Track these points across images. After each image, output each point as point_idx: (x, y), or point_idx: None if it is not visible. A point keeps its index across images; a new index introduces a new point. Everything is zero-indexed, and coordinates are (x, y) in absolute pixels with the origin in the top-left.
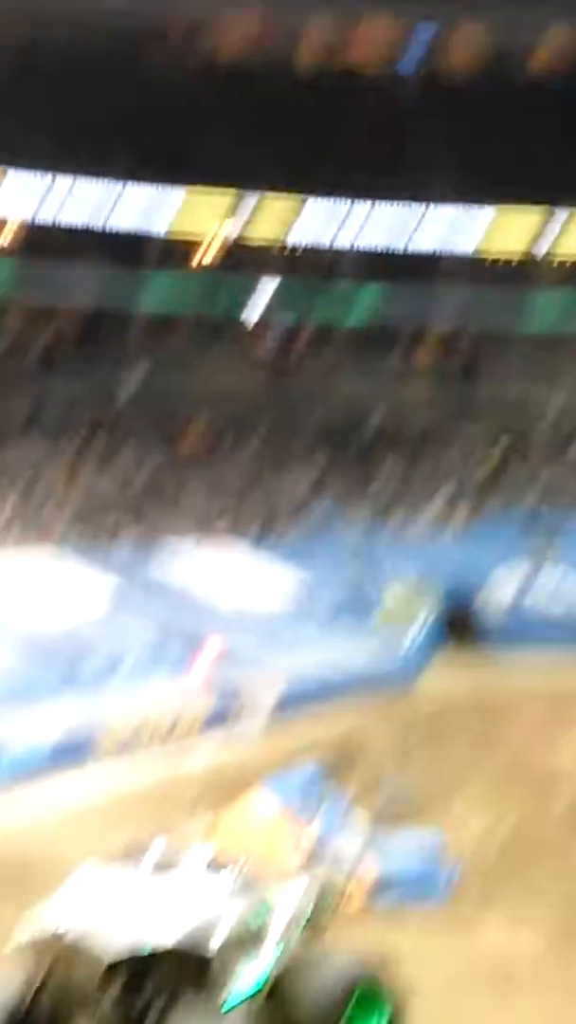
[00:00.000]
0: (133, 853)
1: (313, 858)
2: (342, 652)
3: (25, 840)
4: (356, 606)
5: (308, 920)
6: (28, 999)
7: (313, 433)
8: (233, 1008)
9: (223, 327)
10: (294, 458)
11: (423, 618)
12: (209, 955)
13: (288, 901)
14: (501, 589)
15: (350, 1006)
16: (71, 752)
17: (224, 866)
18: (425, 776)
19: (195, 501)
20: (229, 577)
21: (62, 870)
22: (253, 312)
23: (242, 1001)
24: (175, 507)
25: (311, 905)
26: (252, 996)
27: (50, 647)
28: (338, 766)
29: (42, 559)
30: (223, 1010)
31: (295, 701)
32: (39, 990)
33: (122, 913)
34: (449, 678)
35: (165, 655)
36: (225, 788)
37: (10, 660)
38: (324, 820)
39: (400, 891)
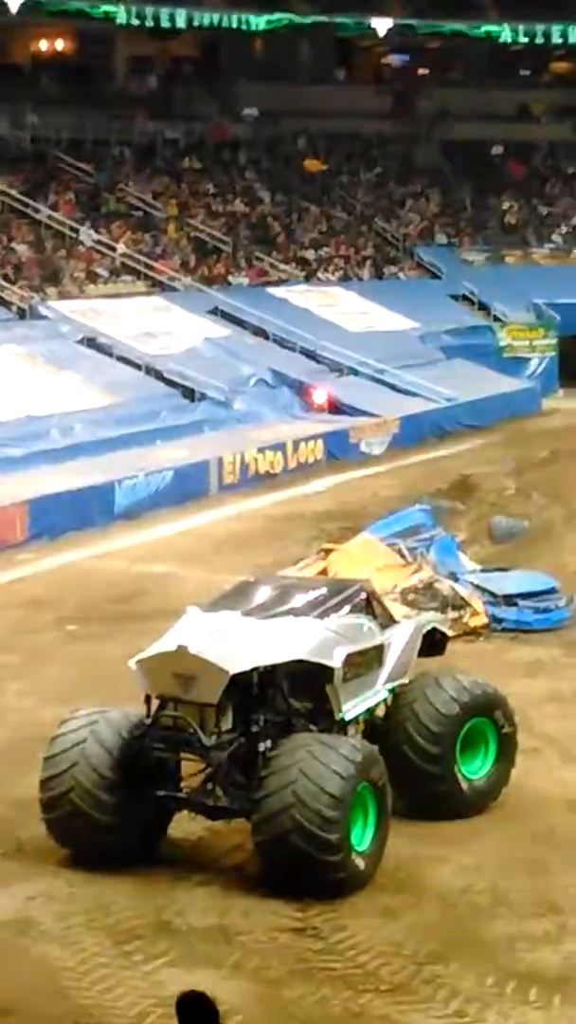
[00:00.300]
0: (246, 588)
1: (426, 595)
2: (456, 391)
3: (141, 569)
4: (471, 347)
5: (425, 642)
6: (150, 714)
7: (429, 168)
8: (352, 722)
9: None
10: (410, 194)
11: (542, 351)
12: (333, 666)
13: (405, 627)
14: None
15: (467, 723)
16: (187, 488)
17: (341, 594)
18: (541, 515)
19: (309, 240)
20: (342, 312)
21: (176, 599)
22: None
23: (360, 717)
24: (287, 248)
25: (427, 629)
26: (370, 712)
27: (166, 384)
28: (451, 505)
29: (154, 302)
30: (341, 723)
31: (409, 440)
32: (161, 706)
33: (241, 636)
34: (569, 410)
35: (278, 398)
36: (337, 528)
37: (129, 392)
38: (435, 559)
39: (514, 623)
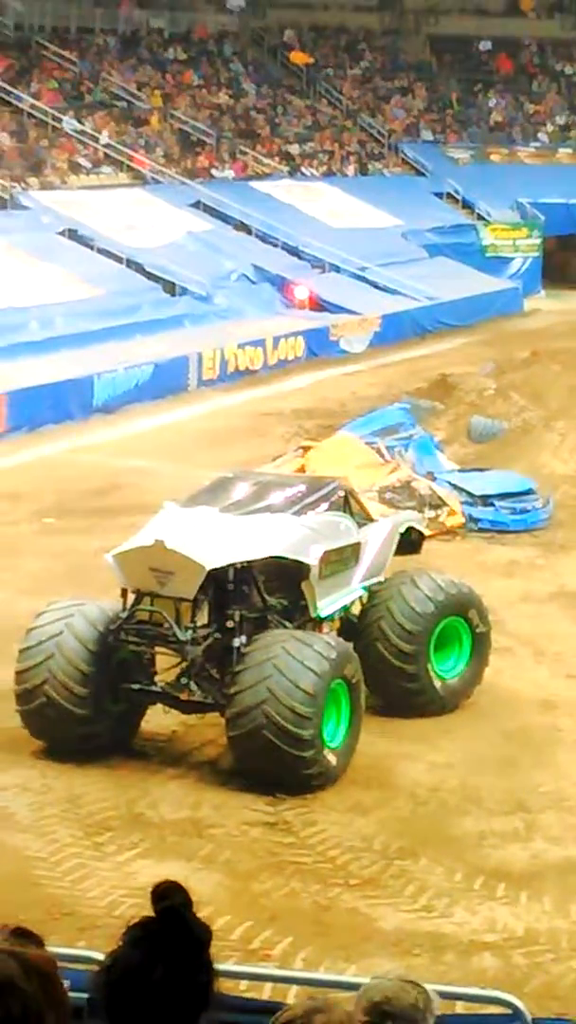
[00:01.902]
0: (206, 490)
1: (403, 493)
2: (437, 290)
3: (119, 464)
4: (454, 246)
5: (402, 541)
6: (126, 607)
7: (416, 63)
8: (327, 620)
9: None
10: (396, 90)
11: (525, 251)
12: (309, 563)
13: (382, 525)
14: None
15: (442, 622)
16: (166, 383)
17: (319, 492)
18: (520, 416)
19: (294, 134)
20: (325, 208)
21: (154, 494)
22: None
23: (336, 614)
24: (272, 142)
25: (404, 528)
26: (345, 610)
27: (147, 277)
28: (430, 405)
29: (137, 194)
30: (316, 620)
31: (389, 339)
32: (137, 600)
33: (218, 531)
34: (551, 311)
35: (259, 294)
36: (316, 425)
37: (110, 284)
38: (413, 458)
39: (491, 524)
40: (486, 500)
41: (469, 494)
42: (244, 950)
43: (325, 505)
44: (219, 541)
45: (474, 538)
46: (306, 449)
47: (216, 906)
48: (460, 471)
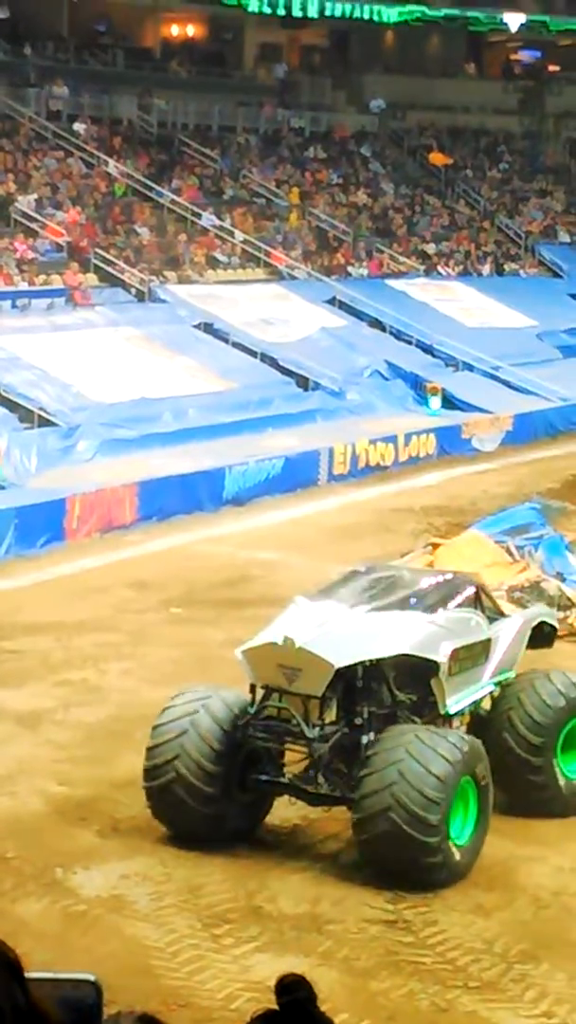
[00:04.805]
0: (337, 584)
1: (532, 593)
2: (571, 391)
3: (247, 555)
4: None
5: (534, 634)
6: (255, 704)
7: (555, 166)
8: (456, 716)
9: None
10: (534, 191)
11: None
12: (438, 660)
13: (514, 620)
14: None
15: (572, 720)
16: (297, 477)
17: (450, 587)
18: None
19: (431, 234)
20: (460, 307)
21: (282, 587)
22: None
23: (465, 711)
24: (408, 241)
25: (536, 622)
26: (476, 705)
27: (280, 372)
28: (562, 505)
29: (273, 289)
30: (446, 716)
31: (521, 438)
32: (266, 695)
33: (348, 628)
34: None
35: (392, 390)
36: (446, 523)
37: (244, 378)
38: (543, 558)
39: None
40: None
41: None
42: None
43: (456, 601)
44: (348, 638)
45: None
46: (435, 546)
47: (333, 1003)
48: None
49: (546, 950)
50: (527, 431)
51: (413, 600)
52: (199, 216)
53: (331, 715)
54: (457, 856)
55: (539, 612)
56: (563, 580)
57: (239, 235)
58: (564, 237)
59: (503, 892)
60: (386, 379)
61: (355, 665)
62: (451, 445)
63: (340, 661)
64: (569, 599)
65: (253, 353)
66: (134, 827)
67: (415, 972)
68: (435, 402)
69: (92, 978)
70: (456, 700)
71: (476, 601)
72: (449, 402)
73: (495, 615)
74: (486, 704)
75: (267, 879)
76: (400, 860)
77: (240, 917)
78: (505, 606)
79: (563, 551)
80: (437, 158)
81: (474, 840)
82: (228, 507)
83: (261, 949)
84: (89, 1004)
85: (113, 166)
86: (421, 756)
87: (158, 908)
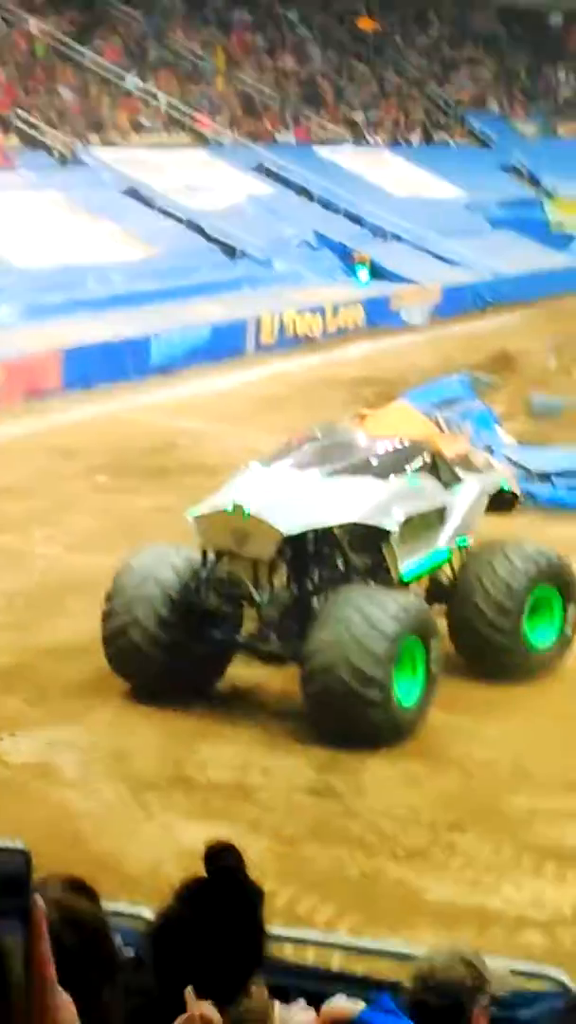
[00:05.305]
0: (292, 447)
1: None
2: (500, 264)
3: (174, 424)
4: (518, 220)
5: (492, 504)
6: (204, 570)
7: (485, 34)
8: (413, 581)
9: None
10: (464, 60)
11: None
12: (390, 528)
13: (470, 486)
14: None
15: (539, 586)
16: (224, 346)
17: (404, 453)
18: None
19: (359, 101)
20: (389, 177)
21: (208, 456)
22: None
23: (418, 575)
24: (336, 108)
25: (491, 491)
26: (434, 571)
27: (205, 240)
28: (490, 378)
29: (198, 156)
30: (400, 580)
31: (450, 311)
32: (216, 559)
33: (298, 495)
34: None
35: (320, 260)
36: (374, 394)
37: (169, 245)
38: (471, 431)
39: (549, 500)
40: (544, 477)
41: (527, 470)
42: (289, 915)
43: (410, 467)
44: (298, 506)
45: (531, 515)
46: (363, 417)
47: (261, 870)
48: (519, 446)
49: (473, 819)
50: (456, 303)
51: (367, 466)
52: (122, 78)
53: (281, 579)
54: (402, 716)
55: (497, 478)
56: (492, 453)
57: (163, 99)
58: (494, 107)
59: (433, 762)
60: (314, 249)
61: (304, 532)
62: (379, 316)
63: (288, 529)
64: (493, 470)
65: (179, 220)
66: (61, 694)
67: (343, 840)
68: (363, 273)
69: (21, 845)
70: (410, 566)
71: (431, 467)
72: (378, 273)
73: (451, 481)
74: (447, 570)
75: (196, 747)
76: (345, 717)
77: (168, 784)
78: (479, 457)
79: (491, 424)
80: (365, 23)
81: (421, 702)
82: (154, 376)
83: (189, 816)
84: (17, 871)
85: (34, 24)
86: (368, 614)
87: (86, 775)
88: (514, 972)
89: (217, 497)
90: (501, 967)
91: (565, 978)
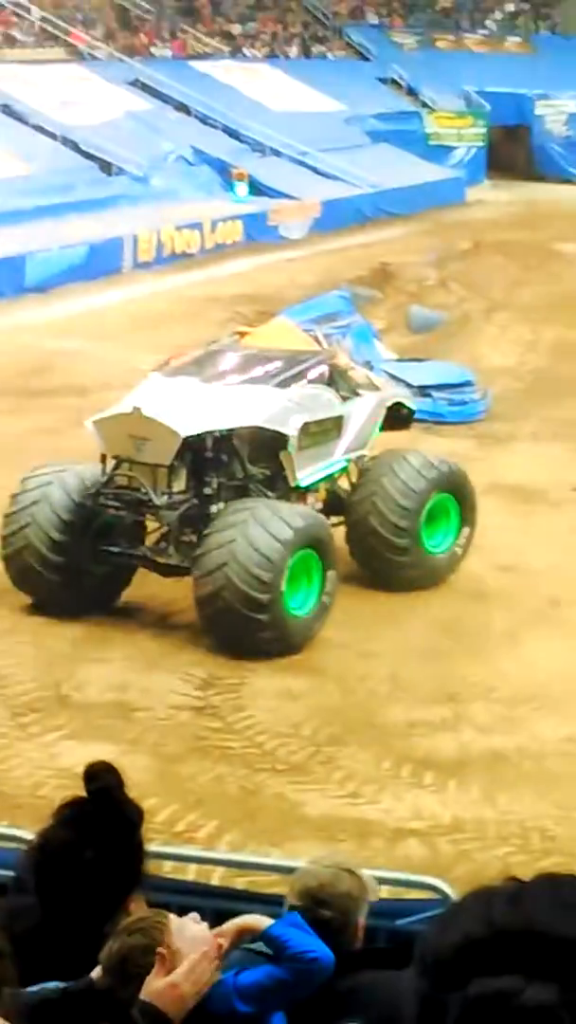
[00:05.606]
0: (211, 355)
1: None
2: (379, 177)
3: (51, 344)
4: (397, 133)
5: (390, 420)
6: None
7: None
8: (310, 491)
9: None
10: None
11: (469, 140)
12: (288, 433)
13: (367, 400)
14: (554, 115)
15: (433, 496)
16: (101, 264)
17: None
18: (460, 307)
19: (235, 14)
20: (267, 91)
21: (87, 376)
22: None
23: (319, 485)
24: (213, 21)
25: (388, 404)
26: (329, 479)
27: (82, 156)
28: (369, 293)
29: (73, 70)
30: (298, 489)
31: (330, 225)
32: (116, 466)
33: (198, 401)
34: (494, 202)
35: (198, 176)
36: (253, 311)
37: (43, 162)
38: (351, 346)
39: (428, 414)
40: (424, 391)
41: (407, 384)
42: (169, 833)
43: (309, 377)
44: (198, 410)
45: (411, 430)
46: (242, 335)
47: (142, 789)
48: (398, 360)
49: (352, 733)
50: (335, 218)
51: (267, 376)
52: None
53: (180, 484)
54: (293, 623)
55: (394, 393)
56: (371, 368)
57: (36, 12)
58: (372, 19)
59: (311, 677)
60: (191, 164)
61: (203, 436)
62: (258, 232)
63: (187, 430)
64: (376, 387)
65: (53, 136)
66: None
67: (223, 757)
68: (241, 188)
69: None
70: (307, 474)
71: (330, 379)
72: (256, 188)
73: (350, 394)
74: (343, 483)
75: (74, 668)
76: (234, 624)
77: (47, 706)
78: (378, 379)
79: (371, 339)
80: None
81: (315, 612)
82: (30, 294)
83: (69, 737)
84: None
85: None
86: (262, 518)
87: None
88: (395, 882)
89: (118, 404)
90: (371, 876)
91: (445, 887)
